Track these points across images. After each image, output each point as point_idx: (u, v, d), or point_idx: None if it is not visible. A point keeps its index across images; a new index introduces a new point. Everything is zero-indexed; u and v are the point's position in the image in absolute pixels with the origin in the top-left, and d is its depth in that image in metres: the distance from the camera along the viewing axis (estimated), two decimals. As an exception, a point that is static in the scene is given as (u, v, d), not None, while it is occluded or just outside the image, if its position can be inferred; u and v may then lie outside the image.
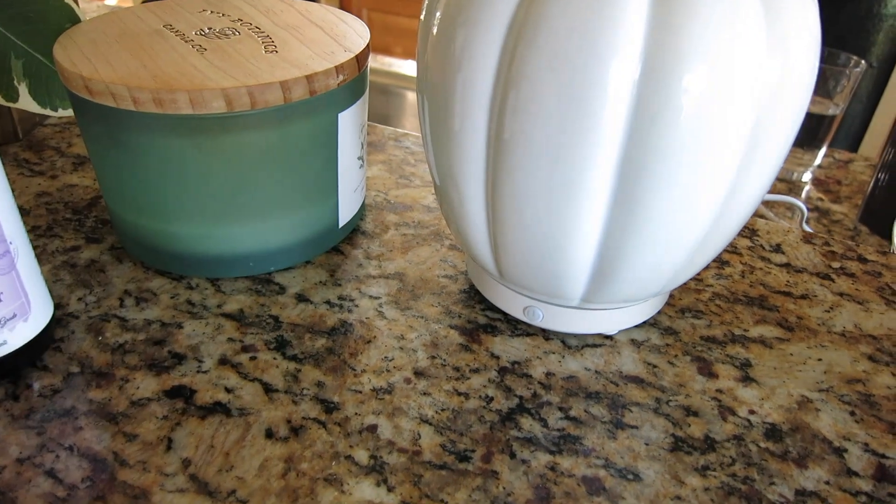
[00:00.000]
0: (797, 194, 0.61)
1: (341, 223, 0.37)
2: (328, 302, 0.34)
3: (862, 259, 0.39)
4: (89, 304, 0.33)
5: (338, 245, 0.38)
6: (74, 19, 0.42)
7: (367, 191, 0.43)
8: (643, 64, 0.22)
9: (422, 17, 0.28)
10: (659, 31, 0.22)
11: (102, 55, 0.32)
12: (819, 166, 0.65)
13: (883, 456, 0.28)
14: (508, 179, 0.26)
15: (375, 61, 0.84)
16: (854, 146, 1.00)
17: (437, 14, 0.26)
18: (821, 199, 0.61)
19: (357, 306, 0.34)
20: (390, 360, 0.31)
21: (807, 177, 0.63)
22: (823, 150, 0.63)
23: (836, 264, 0.39)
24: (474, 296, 0.35)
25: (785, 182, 0.63)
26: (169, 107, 0.29)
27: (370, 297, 0.35)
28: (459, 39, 0.25)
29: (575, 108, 0.23)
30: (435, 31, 0.26)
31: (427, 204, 0.42)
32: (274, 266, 0.35)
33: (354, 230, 0.39)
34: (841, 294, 0.36)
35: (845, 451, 0.28)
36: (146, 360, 0.30)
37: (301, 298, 0.34)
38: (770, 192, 0.61)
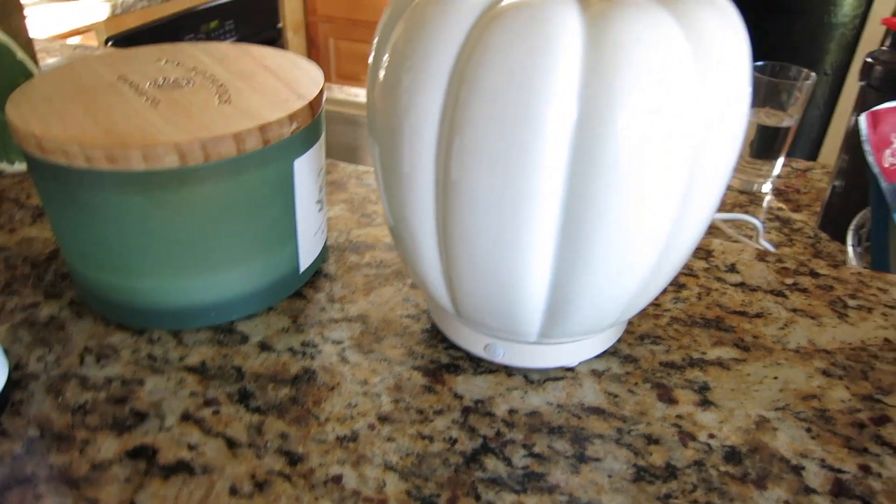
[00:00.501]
0: (758, 205, 0.63)
1: (302, 268, 0.37)
2: (291, 349, 0.34)
3: (814, 274, 0.40)
4: (49, 364, 0.33)
5: (300, 289, 0.38)
6: (28, 75, 0.42)
7: (329, 232, 0.43)
8: (580, 105, 0.23)
9: (370, 59, 0.28)
10: (593, 73, 0.23)
11: (56, 111, 0.32)
12: (778, 176, 0.67)
13: (839, 471, 0.28)
14: (458, 221, 0.26)
15: (342, 92, 0.84)
16: (814, 153, 1.03)
17: (384, 58, 0.27)
18: (780, 209, 0.62)
19: (320, 352, 0.34)
20: (354, 407, 0.31)
21: (766, 187, 0.65)
22: (781, 161, 0.65)
23: (789, 280, 0.40)
24: (437, 335, 0.35)
25: (745, 194, 0.64)
26: (122, 163, 0.30)
27: (333, 341, 0.35)
28: (405, 84, 0.25)
29: (517, 149, 0.24)
30: (382, 75, 0.27)
31: (389, 242, 0.42)
32: (236, 315, 0.35)
33: (317, 273, 0.40)
34: (794, 310, 0.37)
35: (803, 468, 0.28)
36: (107, 421, 0.30)
37: (264, 347, 0.34)
38: (731, 207, 0.62)
